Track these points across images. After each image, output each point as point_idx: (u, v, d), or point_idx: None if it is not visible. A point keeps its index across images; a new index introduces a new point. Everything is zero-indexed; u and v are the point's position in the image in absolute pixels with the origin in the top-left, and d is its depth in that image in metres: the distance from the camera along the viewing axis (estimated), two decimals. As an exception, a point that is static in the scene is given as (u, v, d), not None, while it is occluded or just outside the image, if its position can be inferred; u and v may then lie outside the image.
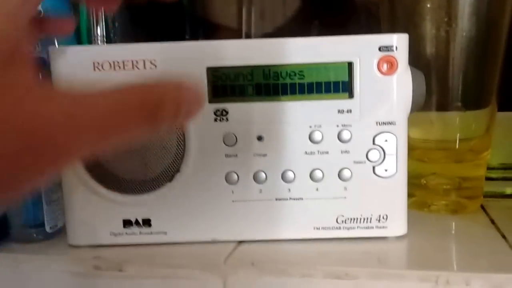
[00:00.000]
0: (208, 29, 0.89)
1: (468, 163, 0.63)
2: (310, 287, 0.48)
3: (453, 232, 0.57)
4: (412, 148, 0.56)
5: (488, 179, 0.66)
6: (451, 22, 0.59)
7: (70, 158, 0.32)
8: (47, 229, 0.56)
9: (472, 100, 0.62)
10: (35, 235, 0.56)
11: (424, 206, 0.62)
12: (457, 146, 0.62)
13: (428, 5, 0.60)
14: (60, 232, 0.57)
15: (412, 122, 0.53)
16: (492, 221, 0.58)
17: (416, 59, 0.53)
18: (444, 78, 0.60)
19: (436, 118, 0.63)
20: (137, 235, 0.53)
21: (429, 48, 0.60)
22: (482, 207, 0.63)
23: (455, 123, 0.62)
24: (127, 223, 0.53)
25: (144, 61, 0.50)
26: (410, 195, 0.55)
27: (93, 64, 0.50)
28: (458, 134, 0.62)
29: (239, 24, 0.87)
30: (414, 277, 0.46)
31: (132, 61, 0.50)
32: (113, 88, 0.32)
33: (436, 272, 0.46)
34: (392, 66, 0.50)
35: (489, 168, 0.66)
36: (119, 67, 0.50)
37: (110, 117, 0.32)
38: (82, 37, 0.66)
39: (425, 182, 0.62)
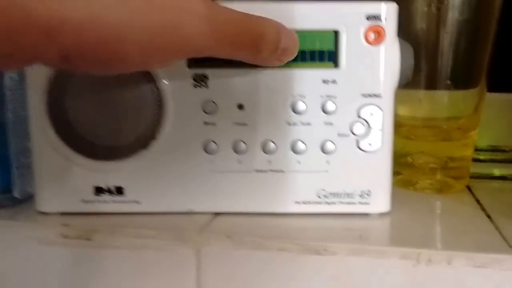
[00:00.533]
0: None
1: (456, 142, 0.61)
2: (287, 262, 0.45)
3: (437, 211, 0.55)
4: (399, 125, 0.55)
5: (476, 160, 0.65)
6: (442, 0, 0.57)
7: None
8: (16, 194, 0.54)
9: (462, 79, 0.60)
10: (2, 200, 0.54)
11: (409, 184, 0.61)
12: (444, 125, 0.60)
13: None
14: (30, 199, 0.54)
15: (400, 99, 0.51)
16: (478, 201, 0.57)
17: (406, 36, 0.50)
18: (434, 56, 0.59)
19: (425, 96, 0.61)
20: (109, 203, 0.51)
21: (420, 25, 0.59)
22: (468, 187, 0.62)
23: (444, 102, 0.61)
24: (98, 190, 0.51)
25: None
26: (395, 173, 0.53)
27: None
28: (446, 113, 0.61)
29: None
30: (395, 254, 0.44)
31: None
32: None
33: (417, 250, 0.44)
34: (379, 36, 0.48)
35: (477, 150, 0.65)
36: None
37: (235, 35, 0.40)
38: None
39: (411, 160, 0.61)
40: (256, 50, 0.42)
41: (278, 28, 0.44)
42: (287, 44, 0.45)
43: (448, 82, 0.59)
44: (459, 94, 0.61)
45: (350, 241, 0.46)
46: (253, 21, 0.42)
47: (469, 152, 0.62)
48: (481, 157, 0.69)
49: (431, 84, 0.60)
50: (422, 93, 0.60)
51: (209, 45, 0.38)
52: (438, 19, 0.58)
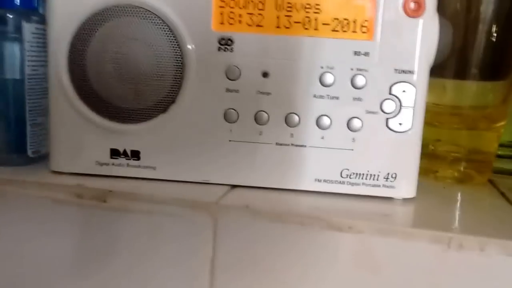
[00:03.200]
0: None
1: (481, 132, 0.57)
2: (307, 238, 0.42)
3: (462, 200, 0.51)
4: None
5: (497, 156, 0.60)
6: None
7: None
8: (29, 153, 0.51)
9: (491, 70, 0.56)
10: (16, 158, 0.51)
11: (430, 172, 0.57)
12: (470, 113, 0.57)
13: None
14: (43, 159, 0.51)
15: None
16: (503, 194, 0.53)
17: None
18: (464, 44, 0.55)
19: (452, 85, 0.57)
20: (124, 167, 0.48)
21: (450, 7, 0.55)
22: (490, 181, 0.58)
23: (471, 91, 0.57)
24: (114, 152, 0.47)
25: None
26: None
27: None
28: (472, 101, 0.57)
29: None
30: (424, 237, 0.40)
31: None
32: None
33: (449, 234, 0.40)
34: (419, 6, 0.44)
35: (499, 145, 0.60)
36: None
37: None
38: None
39: (432, 147, 0.57)
40: None
41: None
42: None
43: (476, 71, 0.55)
44: (488, 84, 0.57)
45: (376, 220, 0.42)
46: None
47: (494, 145, 0.58)
48: (503, 153, 0.64)
49: (459, 73, 0.56)
50: (449, 82, 0.57)
51: None
52: (469, 8, 0.55)
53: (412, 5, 0.44)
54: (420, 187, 0.48)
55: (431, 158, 0.57)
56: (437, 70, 0.48)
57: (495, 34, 0.55)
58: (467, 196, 0.52)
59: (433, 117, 0.56)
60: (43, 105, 0.51)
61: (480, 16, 0.54)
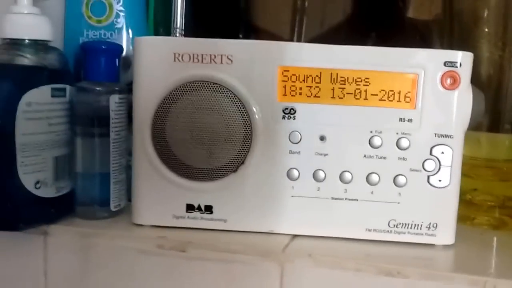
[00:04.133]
0: (258, 35, 0.90)
1: None
2: (363, 282, 0.48)
3: (496, 245, 0.57)
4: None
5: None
6: (504, 47, 0.60)
7: None
8: (112, 207, 0.58)
9: None
10: (100, 212, 0.57)
11: (467, 220, 0.62)
12: (504, 166, 0.62)
13: (486, 29, 0.61)
14: (122, 212, 0.59)
15: (462, 139, 0.53)
16: None
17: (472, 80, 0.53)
18: (496, 101, 0.61)
19: (486, 138, 0.63)
20: (198, 220, 0.54)
21: (483, 71, 0.61)
22: None
23: (504, 145, 0.63)
24: (190, 207, 0.54)
25: (221, 56, 0.51)
26: (455, 208, 0.55)
27: (174, 55, 0.51)
28: (506, 155, 0.63)
29: (291, 35, 0.88)
30: (463, 280, 0.46)
31: (210, 55, 0.51)
32: None
33: (484, 278, 0.46)
34: (455, 81, 0.50)
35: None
36: (198, 60, 0.51)
37: None
38: (149, 29, 0.68)
39: (470, 197, 0.62)
40: None
41: None
42: None
43: (509, 126, 0.61)
44: None
45: (421, 266, 0.48)
46: None
47: None
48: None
49: (493, 128, 0.62)
50: (484, 136, 0.63)
51: None
52: (500, 66, 0.61)
53: (448, 80, 0.51)
54: (459, 233, 0.54)
55: (468, 206, 0.63)
56: (473, 126, 0.55)
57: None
58: (502, 241, 0.58)
59: (470, 170, 0.61)
60: (123, 164, 0.58)
61: (510, 78, 0.61)
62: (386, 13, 0.85)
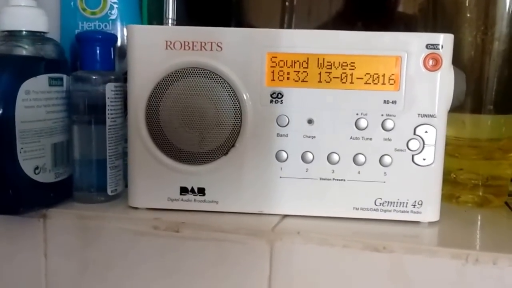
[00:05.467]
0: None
1: (496, 161, 0.63)
2: (350, 257, 0.49)
3: (480, 221, 0.58)
4: (445, 144, 0.58)
5: (512, 181, 0.67)
6: (486, 31, 0.60)
7: None
8: (109, 192, 0.58)
9: (504, 105, 0.63)
10: (97, 197, 0.58)
11: (452, 198, 0.63)
12: (486, 145, 0.63)
13: (468, 15, 0.61)
14: (119, 197, 0.60)
15: (447, 121, 0.54)
16: None
17: (454, 63, 0.54)
18: (478, 83, 0.62)
19: (469, 119, 0.63)
20: (191, 202, 0.55)
21: (466, 54, 0.62)
22: (506, 203, 0.64)
23: (487, 125, 0.63)
24: (183, 190, 0.55)
25: (211, 43, 0.52)
26: (439, 187, 0.56)
27: (166, 43, 0.52)
28: (488, 134, 0.63)
29: (280, 28, 0.88)
30: (447, 253, 0.47)
31: (201, 43, 0.52)
32: None
33: (466, 251, 0.47)
34: (437, 63, 0.51)
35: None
36: (189, 47, 0.52)
37: None
38: (143, 21, 0.68)
39: (454, 176, 0.63)
40: None
41: None
42: None
43: (491, 107, 0.62)
44: (501, 118, 0.63)
45: (406, 241, 0.49)
46: None
47: (508, 172, 0.64)
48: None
49: (476, 108, 0.63)
50: (467, 117, 0.63)
51: None
52: (482, 49, 0.61)
53: (431, 62, 0.51)
54: (444, 211, 0.55)
55: (453, 185, 0.64)
56: (456, 108, 0.56)
57: (506, 75, 0.62)
58: (485, 218, 0.59)
59: (454, 150, 0.63)
60: (119, 150, 0.59)
61: (492, 61, 0.61)
62: (374, 7, 0.85)
